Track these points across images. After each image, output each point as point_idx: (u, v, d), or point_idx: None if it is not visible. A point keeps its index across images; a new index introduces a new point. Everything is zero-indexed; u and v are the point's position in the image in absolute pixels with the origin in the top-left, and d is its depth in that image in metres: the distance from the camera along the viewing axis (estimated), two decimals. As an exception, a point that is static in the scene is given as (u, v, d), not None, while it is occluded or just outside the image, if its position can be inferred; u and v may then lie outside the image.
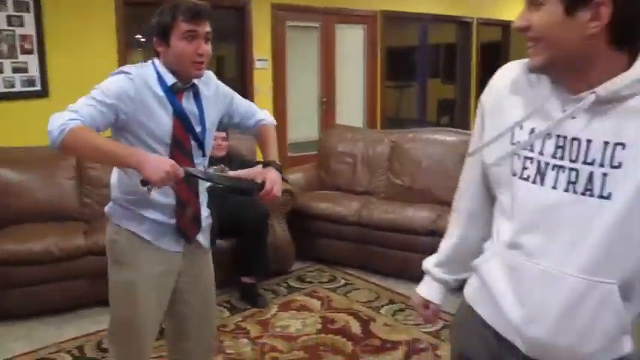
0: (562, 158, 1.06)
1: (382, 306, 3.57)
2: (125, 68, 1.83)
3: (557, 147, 1.07)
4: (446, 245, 1.43)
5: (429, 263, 1.47)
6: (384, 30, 7.25)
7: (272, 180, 1.88)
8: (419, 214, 3.98)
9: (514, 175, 1.13)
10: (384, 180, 4.60)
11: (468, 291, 1.30)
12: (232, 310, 3.49)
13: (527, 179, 1.11)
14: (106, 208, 1.97)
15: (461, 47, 8.70)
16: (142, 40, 6.50)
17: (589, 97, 1.02)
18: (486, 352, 1.23)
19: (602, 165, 1.02)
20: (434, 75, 9.57)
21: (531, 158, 1.10)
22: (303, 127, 6.75)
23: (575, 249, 1.05)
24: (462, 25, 8.49)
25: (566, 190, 1.06)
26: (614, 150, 1.01)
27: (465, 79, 8.69)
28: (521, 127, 1.13)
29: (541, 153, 1.09)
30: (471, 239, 1.35)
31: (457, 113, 8.98)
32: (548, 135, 1.08)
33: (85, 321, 3.33)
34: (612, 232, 1.03)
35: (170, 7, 1.80)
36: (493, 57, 9.23)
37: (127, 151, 1.71)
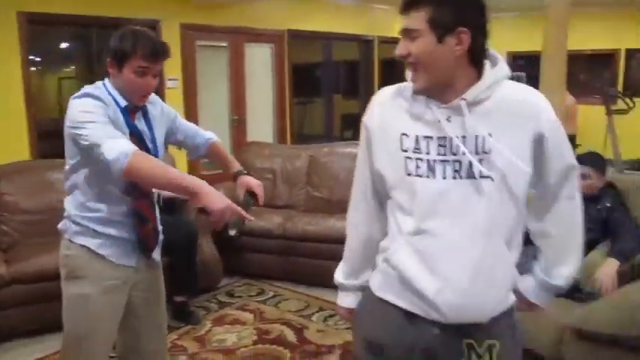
0: (445, 154, 1.34)
1: (313, 314, 3.70)
2: (90, 92, 1.86)
3: (440, 146, 1.35)
4: (350, 255, 1.60)
5: (339, 277, 1.63)
6: (290, 48, 7.46)
7: (258, 184, 2.05)
8: (340, 224, 4.14)
9: (409, 175, 1.38)
10: (304, 193, 4.76)
11: (374, 283, 1.50)
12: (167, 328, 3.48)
13: (421, 176, 1.36)
14: (60, 225, 1.99)
15: (363, 64, 9.11)
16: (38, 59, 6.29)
17: (461, 103, 1.33)
18: (396, 334, 1.43)
19: (477, 153, 1.33)
20: (338, 91, 9.91)
21: (421, 159, 1.36)
22: (215, 145, 6.78)
23: (470, 221, 1.34)
24: (364, 42, 8.89)
25: (454, 178, 1.34)
26: (483, 140, 1.33)
27: (368, 93, 9.09)
28: (407, 136, 1.39)
29: (428, 153, 1.36)
30: (371, 243, 1.53)
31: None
32: (431, 138, 1.36)
33: (17, 352, 3.21)
34: (494, 202, 1.34)
35: (132, 36, 1.86)
36: (393, 72, 9.73)
37: (188, 178, 1.77)
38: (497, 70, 1.38)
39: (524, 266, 1.53)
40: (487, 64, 1.38)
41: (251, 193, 2.01)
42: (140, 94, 1.90)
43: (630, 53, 9.08)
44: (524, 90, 1.41)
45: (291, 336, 3.39)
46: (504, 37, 9.79)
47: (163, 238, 2.15)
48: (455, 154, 1.33)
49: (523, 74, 7.51)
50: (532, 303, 1.55)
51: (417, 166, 1.36)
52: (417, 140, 1.37)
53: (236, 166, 2.19)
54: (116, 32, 1.90)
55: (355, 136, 9.20)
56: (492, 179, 1.33)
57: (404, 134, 1.39)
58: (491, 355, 1.39)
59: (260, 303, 3.90)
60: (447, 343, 1.38)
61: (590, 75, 9.71)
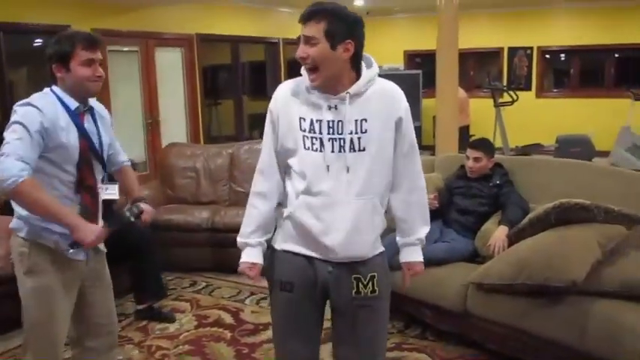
0: (333, 133, 1.78)
1: (246, 298, 4.01)
2: (32, 101, 2.05)
3: (329, 127, 1.79)
4: (255, 216, 1.94)
5: (243, 237, 1.97)
6: (200, 51, 7.67)
7: (150, 210, 2.36)
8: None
9: (306, 149, 1.80)
10: (227, 189, 5.03)
11: (278, 239, 1.93)
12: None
13: (315, 150, 1.80)
14: (12, 224, 2.16)
15: (270, 65, 9.44)
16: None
17: (346, 95, 1.78)
18: (300, 273, 1.88)
19: (357, 133, 1.79)
20: (246, 91, 10.17)
21: (315, 137, 1.79)
22: (130, 149, 6.85)
23: (351, 183, 1.79)
24: (270, 44, 9.23)
25: (340, 151, 1.79)
26: (361, 123, 1.79)
27: (276, 93, 9.43)
28: (304, 120, 1.81)
29: (320, 132, 1.79)
30: (272, 207, 1.94)
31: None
32: (322, 121, 1.79)
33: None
34: (369, 169, 1.80)
35: (68, 36, 2.10)
36: (298, 72, 10.08)
37: (67, 214, 2.03)
38: (371, 71, 1.84)
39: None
40: (364, 66, 1.83)
41: (136, 206, 2.26)
42: (95, 82, 2.12)
43: (512, 51, 10.02)
44: (389, 84, 1.88)
45: (228, 318, 3.68)
46: (401, 38, 10.50)
47: (118, 245, 2.41)
48: (340, 134, 1.78)
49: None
50: (412, 263, 2.05)
51: (312, 143, 1.80)
52: (311, 123, 1.80)
53: (138, 193, 2.44)
54: (50, 40, 2.13)
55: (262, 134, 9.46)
56: (368, 152, 1.79)
57: (302, 118, 1.81)
58: (374, 283, 1.87)
59: (194, 293, 4.15)
60: (340, 277, 1.86)
61: (479, 71, 10.60)
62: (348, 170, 1.78)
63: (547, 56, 10.01)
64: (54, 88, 2.13)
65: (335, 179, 1.78)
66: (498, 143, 8.42)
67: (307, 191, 1.81)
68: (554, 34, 9.69)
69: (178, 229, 4.56)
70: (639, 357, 2.35)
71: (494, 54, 10.19)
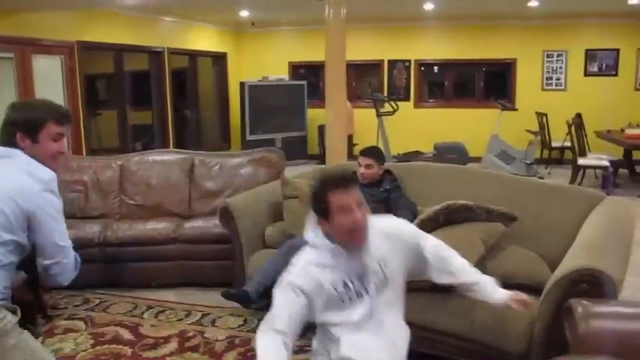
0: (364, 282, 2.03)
1: (143, 312, 3.94)
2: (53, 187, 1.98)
3: (358, 280, 2.03)
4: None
5: None
6: (81, 59, 7.38)
7: None
8: (160, 226, 4.43)
9: (343, 302, 2.00)
10: (118, 201, 4.90)
11: None
12: None
13: (351, 300, 2.01)
14: None
15: (154, 74, 9.25)
16: None
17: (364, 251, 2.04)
18: None
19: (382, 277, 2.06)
20: (130, 101, 9.91)
21: (350, 290, 2.01)
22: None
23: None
24: (154, 54, 9.06)
25: (371, 296, 2.03)
26: (381, 267, 2.06)
27: (161, 104, 9.27)
28: (337, 283, 2.00)
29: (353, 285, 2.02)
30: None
31: (157, 137, 9.47)
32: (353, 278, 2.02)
33: None
34: (395, 298, 2.15)
35: (40, 106, 2.03)
36: (183, 82, 10.02)
37: None
38: None
39: None
40: None
41: None
42: (58, 160, 2.04)
43: (392, 63, 10.55)
44: (389, 221, 2.21)
45: (127, 334, 3.60)
46: (286, 49, 10.71)
47: None
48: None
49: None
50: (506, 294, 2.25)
51: (349, 298, 2.00)
52: (344, 283, 2.00)
53: None
54: (15, 104, 2.06)
55: (147, 147, 9.29)
56: (392, 287, 2.07)
57: (334, 284, 1.99)
58: None
59: (88, 310, 4.01)
60: None
61: (360, 82, 11.05)
62: (378, 311, 2.06)
63: (423, 69, 10.65)
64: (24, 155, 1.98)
65: (368, 325, 2.06)
66: (382, 151, 8.85)
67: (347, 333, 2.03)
68: (429, 48, 10.35)
69: (67, 245, 4.38)
70: (521, 340, 2.62)
71: (375, 66, 10.68)
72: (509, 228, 3.17)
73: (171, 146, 8.99)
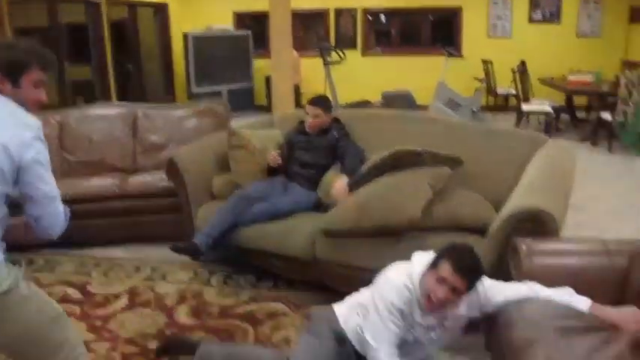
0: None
1: (91, 270, 3.85)
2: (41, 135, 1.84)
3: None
4: None
5: None
6: (11, 11, 6.96)
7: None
8: (104, 182, 4.29)
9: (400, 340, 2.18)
10: (58, 158, 4.70)
11: None
12: None
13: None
14: None
15: (92, 27, 8.84)
16: None
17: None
18: None
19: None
20: (67, 56, 9.47)
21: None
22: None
23: None
24: (91, 4, 8.63)
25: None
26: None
27: (101, 57, 8.89)
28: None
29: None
30: None
31: (98, 92, 9.11)
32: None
33: None
34: None
35: (25, 48, 1.85)
36: (124, 35, 9.62)
37: None
38: None
39: None
40: None
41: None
42: (35, 109, 1.88)
43: (338, 12, 10.39)
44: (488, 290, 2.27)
45: (75, 293, 3.52)
46: (230, -2, 10.37)
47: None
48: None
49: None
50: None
51: (406, 339, 2.22)
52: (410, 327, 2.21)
53: None
54: None
55: (88, 101, 8.93)
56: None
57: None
58: None
59: (34, 272, 3.88)
60: None
61: (307, 32, 10.87)
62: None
63: (370, 17, 10.54)
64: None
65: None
66: (330, 101, 8.79)
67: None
68: (376, -5, 10.22)
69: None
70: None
71: (321, 15, 10.51)
72: (456, 172, 3.21)
73: (114, 99, 8.68)
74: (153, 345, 2.90)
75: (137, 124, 4.72)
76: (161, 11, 10.37)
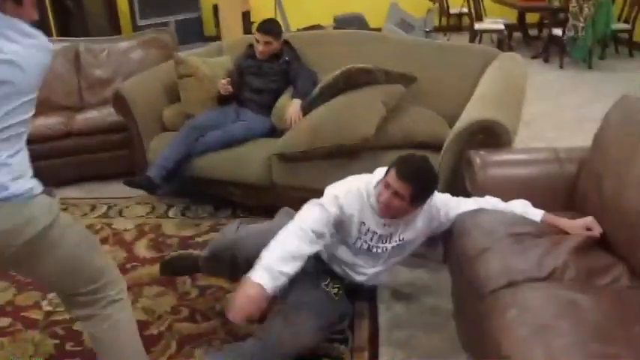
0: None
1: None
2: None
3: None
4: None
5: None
6: None
7: None
8: (50, 121, 4.08)
9: (354, 244, 2.24)
10: None
11: None
12: None
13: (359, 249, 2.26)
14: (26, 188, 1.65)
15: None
16: None
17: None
18: None
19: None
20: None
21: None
22: None
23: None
24: None
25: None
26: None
27: (36, -9, 8.37)
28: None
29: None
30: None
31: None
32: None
33: None
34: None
35: None
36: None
37: None
38: None
39: None
40: None
41: None
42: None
43: None
44: (443, 203, 2.30)
45: (28, 234, 3.44)
46: None
47: None
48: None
49: None
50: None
51: (360, 246, 2.24)
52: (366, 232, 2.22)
53: None
54: None
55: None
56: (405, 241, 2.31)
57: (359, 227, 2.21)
58: None
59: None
60: None
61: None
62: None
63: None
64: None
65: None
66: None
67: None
68: None
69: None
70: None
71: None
72: (410, 89, 3.19)
73: (54, 36, 8.24)
74: (113, 280, 2.88)
75: (80, 59, 4.49)
76: (97, -61, 9.75)
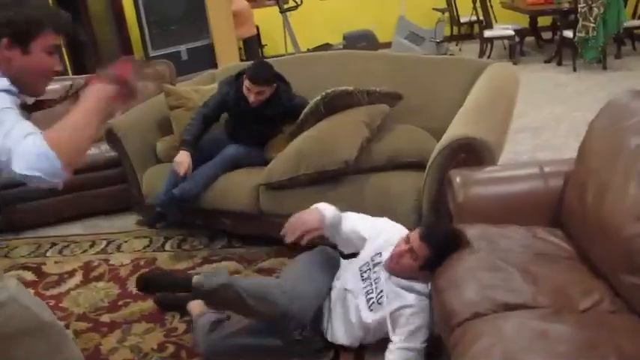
0: None
1: (46, 250, 3.76)
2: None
3: None
4: None
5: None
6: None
7: None
8: None
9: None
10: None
11: None
12: None
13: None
14: None
15: None
16: None
17: None
18: None
19: None
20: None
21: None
22: None
23: None
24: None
25: None
26: None
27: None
28: None
29: None
30: None
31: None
32: None
33: None
34: None
35: (41, 8, 1.54)
36: (70, 6, 9.25)
37: (86, 100, 1.51)
38: None
39: None
40: None
41: None
42: (49, 80, 1.61)
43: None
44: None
45: (29, 276, 3.44)
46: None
47: None
48: None
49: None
50: None
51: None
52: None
53: None
54: None
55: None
56: None
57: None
58: None
59: (-16, 257, 3.82)
60: None
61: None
62: None
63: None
64: None
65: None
66: (290, 49, 8.58)
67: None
68: None
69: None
70: (412, 216, 2.63)
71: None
72: (398, 106, 3.11)
73: (70, 74, 8.42)
74: (106, 318, 2.87)
75: (79, 95, 4.54)
76: (108, -26, 9.97)
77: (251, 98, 3.17)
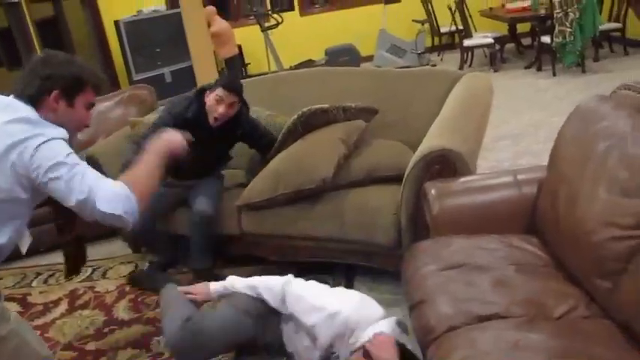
0: None
1: (32, 280, 3.74)
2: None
3: None
4: None
5: None
6: None
7: None
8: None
9: None
10: None
11: None
12: None
13: None
14: None
15: (17, 29, 8.51)
16: None
17: None
18: None
19: None
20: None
21: None
22: None
23: None
24: (10, 5, 8.29)
25: None
26: None
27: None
28: None
29: None
30: None
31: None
32: None
33: None
34: None
35: (85, 67, 1.73)
36: (53, 33, 9.28)
37: (151, 152, 1.79)
38: None
39: None
40: None
41: None
42: (80, 131, 1.83)
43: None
44: None
45: (14, 307, 3.41)
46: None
47: None
48: None
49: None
50: None
51: None
52: None
53: None
54: (47, 57, 1.68)
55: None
56: None
57: None
58: None
59: (-28, 291, 3.79)
60: None
61: (242, -1, 10.55)
62: None
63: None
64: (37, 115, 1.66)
65: None
66: (273, 67, 8.62)
67: None
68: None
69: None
70: (390, 230, 2.64)
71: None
72: (374, 121, 3.14)
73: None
74: (91, 346, 2.86)
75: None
76: (89, 2, 10.01)
77: (220, 110, 2.88)
